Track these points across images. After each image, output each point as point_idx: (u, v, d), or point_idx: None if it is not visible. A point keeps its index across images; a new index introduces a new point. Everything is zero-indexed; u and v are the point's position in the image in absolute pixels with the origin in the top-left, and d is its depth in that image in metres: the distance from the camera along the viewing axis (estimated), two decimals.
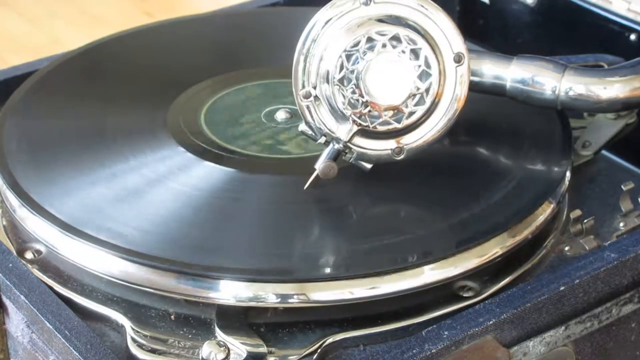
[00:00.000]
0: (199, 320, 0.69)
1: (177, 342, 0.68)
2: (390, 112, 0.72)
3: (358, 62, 0.71)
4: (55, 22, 1.62)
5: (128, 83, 0.87)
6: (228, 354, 0.64)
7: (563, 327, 0.70)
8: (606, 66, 0.83)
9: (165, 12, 1.59)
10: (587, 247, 0.76)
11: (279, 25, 0.95)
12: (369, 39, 0.71)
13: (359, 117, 0.72)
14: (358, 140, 0.73)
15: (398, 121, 0.72)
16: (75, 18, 1.64)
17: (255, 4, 1.04)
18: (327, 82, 0.72)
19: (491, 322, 0.66)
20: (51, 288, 0.71)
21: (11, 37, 1.58)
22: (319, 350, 0.67)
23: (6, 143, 0.79)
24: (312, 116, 0.73)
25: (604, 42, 0.93)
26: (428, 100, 0.72)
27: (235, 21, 0.98)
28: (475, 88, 0.77)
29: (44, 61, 0.92)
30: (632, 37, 0.92)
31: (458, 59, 0.73)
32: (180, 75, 0.88)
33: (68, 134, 0.81)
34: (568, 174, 0.78)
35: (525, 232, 0.73)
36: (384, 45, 0.71)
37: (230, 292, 0.67)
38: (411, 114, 0.72)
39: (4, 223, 0.78)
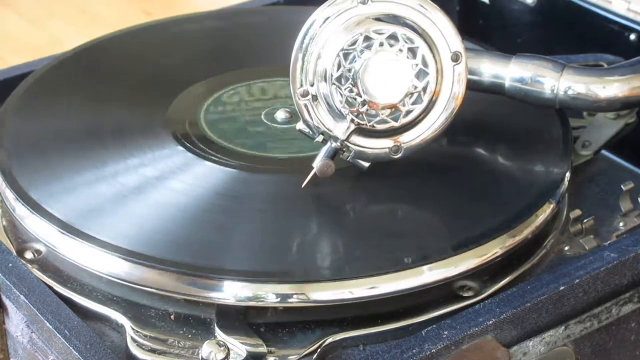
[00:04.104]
0: (199, 320, 0.69)
1: (177, 342, 0.68)
2: (388, 111, 0.72)
3: (355, 61, 0.71)
4: (55, 22, 1.62)
5: (127, 82, 0.87)
6: (228, 354, 0.64)
7: (563, 327, 0.69)
8: (606, 66, 0.83)
9: (165, 12, 1.59)
10: (587, 247, 0.76)
11: (279, 24, 0.95)
12: (367, 38, 0.71)
13: (357, 116, 0.72)
14: (356, 139, 0.73)
15: (396, 120, 0.72)
16: (75, 18, 1.63)
17: (255, 3, 1.04)
18: (325, 80, 0.72)
19: (491, 322, 0.66)
20: (51, 288, 0.71)
21: (11, 37, 1.58)
22: (319, 351, 0.67)
23: (6, 143, 0.79)
24: (310, 115, 0.73)
25: (604, 42, 0.93)
26: (426, 99, 0.72)
27: (235, 20, 0.98)
28: (474, 87, 0.77)
29: (44, 61, 0.92)
30: (632, 37, 0.92)
31: (456, 58, 0.72)
32: (180, 74, 0.88)
33: (68, 134, 0.81)
34: (568, 174, 0.78)
35: (525, 232, 0.73)
36: (381, 44, 0.71)
37: (231, 292, 0.67)
38: (409, 112, 0.72)
39: (4, 223, 0.78)
